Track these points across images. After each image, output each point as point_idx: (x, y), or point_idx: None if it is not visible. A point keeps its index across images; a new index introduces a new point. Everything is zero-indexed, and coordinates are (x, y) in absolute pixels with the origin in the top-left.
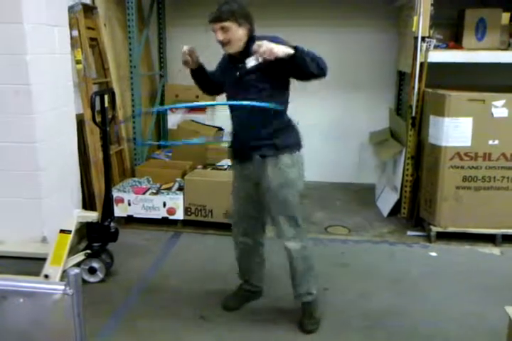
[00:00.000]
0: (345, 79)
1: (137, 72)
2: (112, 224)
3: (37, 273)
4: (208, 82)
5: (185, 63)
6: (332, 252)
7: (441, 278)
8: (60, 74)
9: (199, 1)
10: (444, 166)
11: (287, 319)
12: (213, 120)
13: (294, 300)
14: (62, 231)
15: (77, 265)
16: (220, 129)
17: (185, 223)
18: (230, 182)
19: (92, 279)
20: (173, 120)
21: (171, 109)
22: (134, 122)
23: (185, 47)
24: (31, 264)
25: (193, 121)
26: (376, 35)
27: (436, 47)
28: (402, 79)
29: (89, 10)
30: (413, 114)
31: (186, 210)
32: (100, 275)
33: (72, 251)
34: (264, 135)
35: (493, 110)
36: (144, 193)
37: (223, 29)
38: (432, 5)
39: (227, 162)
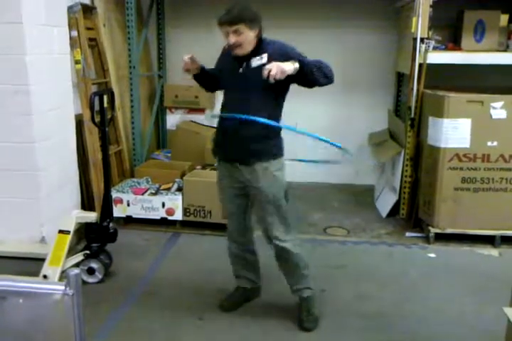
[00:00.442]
0: (345, 80)
1: (136, 73)
2: (111, 225)
3: (36, 274)
4: (210, 81)
5: (187, 71)
6: (330, 253)
7: (439, 279)
8: (59, 75)
9: (198, 2)
10: (443, 167)
11: (286, 319)
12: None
13: (292, 295)
14: (61, 231)
15: (76, 265)
16: None
17: (184, 224)
18: None
19: (90, 280)
20: (172, 120)
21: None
22: (133, 123)
23: (186, 57)
24: (30, 264)
25: (192, 121)
26: (375, 36)
27: (435, 48)
28: (401, 80)
29: (88, 10)
30: (412, 115)
31: (185, 211)
32: (99, 275)
33: (71, 252)
34: (257, 138)
35: (492, 111)
36: (143, 194)
37: (236, 32)
38: (431, 6)
39: None
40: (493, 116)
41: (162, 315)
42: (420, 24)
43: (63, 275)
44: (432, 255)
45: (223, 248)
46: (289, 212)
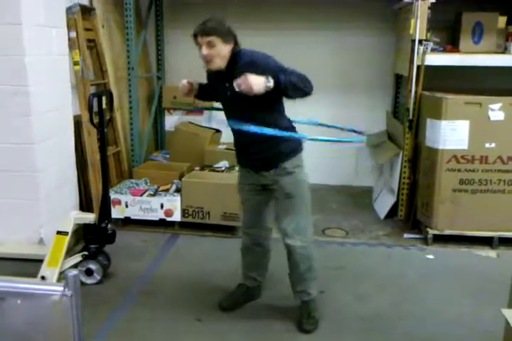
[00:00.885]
0: (343, 82)
1: (135, 74)
2: (109, 226)
3: (34, 275)
4: (211, 94)
5: (187, 94)
6: (329, 254)
7: (438, 280)
8: (58, 76)
9: (197, 3)
10: (441, 169)
11: (285, 320)
12: (211, 122)
13: (293, 298)
14: (59, 232)
15: (74, 266)
16: (218, 131)
17: (182, 225)
18: (228, 184)
19: (89, 281)
20: (171, 122)
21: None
22: (131, 124)
23: (184, 81)
24: (28, 266)
25: (190, 123)
26: (374, 37)
27: (433, 50)
28: (399, 82)
29: (87, 11)
30: (410, 116)
31: (184, 212)
32: (97, 277)
33: (69, 253)
34: (264, 146)
35: (490, 113)
36: (141, 195)
37: (209, 44)
38: (429, 8)
39: (224, 164)
40: (491, 118)
41: (161, 316)
42: (418, 26)
43: (61, 277)
44: (430, 256)
45: (222, 249)
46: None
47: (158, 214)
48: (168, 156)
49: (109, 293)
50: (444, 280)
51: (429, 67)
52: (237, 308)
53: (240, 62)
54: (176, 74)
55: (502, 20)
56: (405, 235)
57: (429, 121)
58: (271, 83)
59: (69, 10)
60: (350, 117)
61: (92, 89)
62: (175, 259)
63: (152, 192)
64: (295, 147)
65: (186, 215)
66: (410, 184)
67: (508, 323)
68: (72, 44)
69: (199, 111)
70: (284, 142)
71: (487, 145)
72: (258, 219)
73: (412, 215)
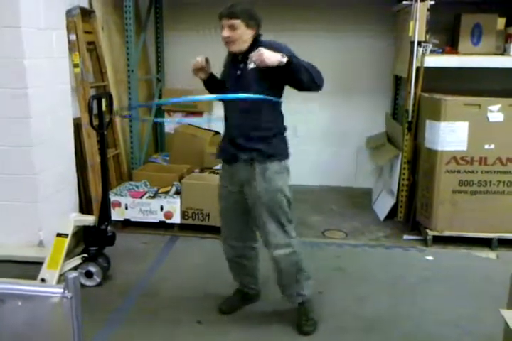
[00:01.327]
0: (342, 84)
1: (134, 76)
2: (109, 228)
3: (34, 277)
4: (217, 87)
5: (195, 71)
6: (329, 256)
7: (437, 282)
8: (57, 78)
9: (196, 5)
10: (441, 170)
11: (284, 322)
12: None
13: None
14: (58, 234)
15: (74, 269)
16: (217, 133)
17: (182, 227)
18: None
19: (88, 283)
20: (170, 124)
21: (169, 113)
22: (131, 126)
23: (199, 57)
24: (28, 268)
25: (190, 125)
26: (373, 39)
27: (432, 51)
28: (399, 83)
29: (86, 14)
30: (409, 118)
31: (183, 214)
32: (97, 279)
33: (69, 255)
34: (255, 137)
35: (489, 115)
36: (141, 197)
37: (231, 27)
38: (428, 10)
39: None
40: (490, 119)
41: (160, 318)
42: (418, 28)
43: (61, 279)
44: (430, 257)
45: (221, 251)
46: (291, 216)
47: (158, 216)
48: (167, 158)
49: (108, 295)
50: (444, 282)
51: (428, 69)
52: (236, 311)
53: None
54: (175, 76)
55: (501, 22)
56: (405, 236)
57: (428, 122)
58: (284, 59)
59: (69, 12)
60: (350, 119)
61: (92, 92)
62: (175, 261)
63: (152, 194)
64: (281, 151)
65: (186, 217)
66: (410, 185)
67: (507, 324)
68: (72, 46)
69: (199, 113)
70: (276, 140)
71: (486, 146)
72: (240, 228)
73: (411, 216)
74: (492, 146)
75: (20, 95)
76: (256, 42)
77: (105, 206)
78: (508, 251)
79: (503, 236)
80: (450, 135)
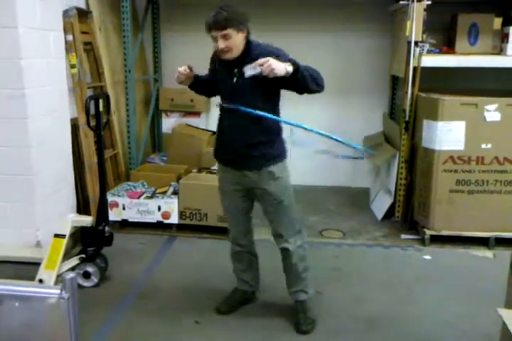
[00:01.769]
0: (339, 83)
1: (132, 77)
2: (107, 229)
3: (31, 278)
4: (204, 88)
5: (181, 83)
6: (327, 256)
7: (434, 281)
8: (54, 79)
9: (193, 5)
10: (438, 170)
11: (282, 321)
12: (208, 124)
13: (289, 300)
14: (56, 235)
15: (72, 269)
16: (214, 133)
17: (180, 227)
18: None
19: (86, 284)
20: (168, 124)
21: None
22: (128, 126)
23: (182, 68)
24: (25, 269)
25: (188, 125)
26: (370, 39)
27: (429, 51)
28: (396, 83)
29: (83, 14)
30: (406, 118)
31: (181, 214)
32: (95, 279)
33: (67, 256)
34: (259, 143)
35: (486, 114)
36: (138, 197)
37: (224, 37)
38: (425, 10)
39: None
40: (487, 119)
41: (158, 319)
42: (414, 28)
43: (59, 280)
44: (428, 257)
45: (219, 251)
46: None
47: (156, 217)
48: (165, 158)
49: (106, 295)
50: (441, 281)
51: (425, 69)
52: (234, 311)
53: (254, 52)
54: (172, 76)
55: (497, 22)
56: (402, 236)
57: (425, 122)
58: (290, 68)
59: (65, 13)
60: (347, 119)
61: (89, 92)
62: (172, 262)
63: (149, 195)
64: (280, 152)
65: (184, 217)
66: (407, 185)
67: (504, 323)
68: (68, 47)
69: (196, 113)
70: (276, 143)
71: (483, 146)
72: (246, 226)
73: (409, 216)
74: (489, 146)
75: (18, 96)
76: (248, 45)
77: (103, 206)
78: (505, 250)
79: (500, 236)
80: (447, 134)
